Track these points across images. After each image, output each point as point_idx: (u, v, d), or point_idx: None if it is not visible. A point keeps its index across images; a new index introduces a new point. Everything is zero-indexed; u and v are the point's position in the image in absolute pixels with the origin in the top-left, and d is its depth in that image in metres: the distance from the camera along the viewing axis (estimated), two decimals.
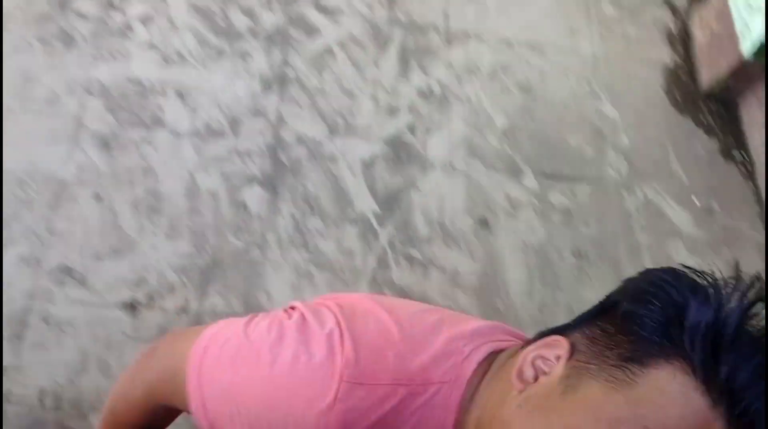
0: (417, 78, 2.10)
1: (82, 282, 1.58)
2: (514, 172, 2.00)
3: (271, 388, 0.62)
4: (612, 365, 0.55)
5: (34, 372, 1.48)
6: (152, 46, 1.90)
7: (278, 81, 1.98)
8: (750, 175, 2.13)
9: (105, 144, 1.75)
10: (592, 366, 0.55)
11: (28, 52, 1.81)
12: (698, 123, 2.20)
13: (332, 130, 1.94)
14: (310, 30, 2.09)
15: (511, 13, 2.31)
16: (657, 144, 2.11)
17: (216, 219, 1.73)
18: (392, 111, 2.02)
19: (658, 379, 0.53)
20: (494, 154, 2.02)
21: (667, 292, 0.56)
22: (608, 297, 0.62)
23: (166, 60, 1.90)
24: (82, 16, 1.89)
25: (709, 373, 0.51)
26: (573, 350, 0.58)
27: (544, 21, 2.32)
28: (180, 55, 1.91)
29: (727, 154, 2.16)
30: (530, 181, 1.99)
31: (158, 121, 1.81)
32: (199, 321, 1.61)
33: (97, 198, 1.68)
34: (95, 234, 1.64)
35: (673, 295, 0.55)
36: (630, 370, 0.53)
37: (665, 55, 2.33)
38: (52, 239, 1.61)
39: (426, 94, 2.08)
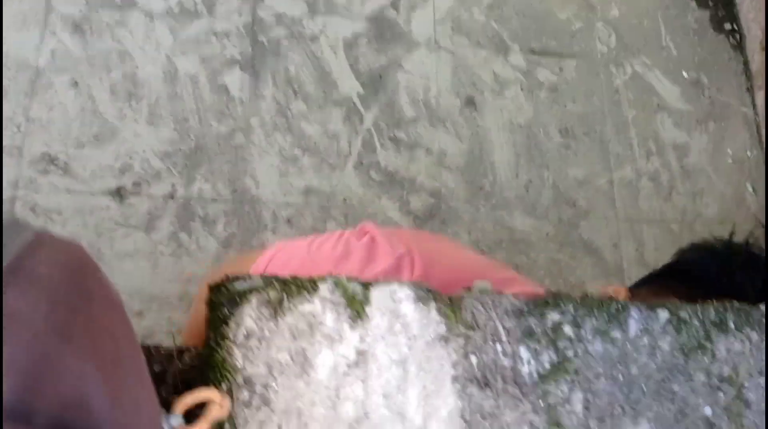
0: None
1: (66, 170, 1.56)
2: (501, 49, 1.95)
3: None
4: None
5: None
6: None
7: None
8: (739, 46, 2.09)
9: (77, 27, 1.67)
10: None
11: None
12: None
13: (312, 8, 1.86)
14: None
15: None
16: (648, 16, 2.06)
17: (198, 104, 1.69)
18: None
19: None
20: (480, 29, 1.95)
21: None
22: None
23: None
24: None
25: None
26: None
27: None
28: None
29: (717, 25, 2.11)
30: (517, 57, 1.94)
31: (131, 2, 1.72)
32: (187, 206, 1.61)
33: (74, 84, 1.63)
34: (75, 121, 1.60)
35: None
36: None
37: None
38: (31, 127, 1.57)
39: None
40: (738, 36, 2.10)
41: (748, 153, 1.91)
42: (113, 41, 1.69)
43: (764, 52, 2.00)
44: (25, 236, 0.24)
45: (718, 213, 1.83)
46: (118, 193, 1.57)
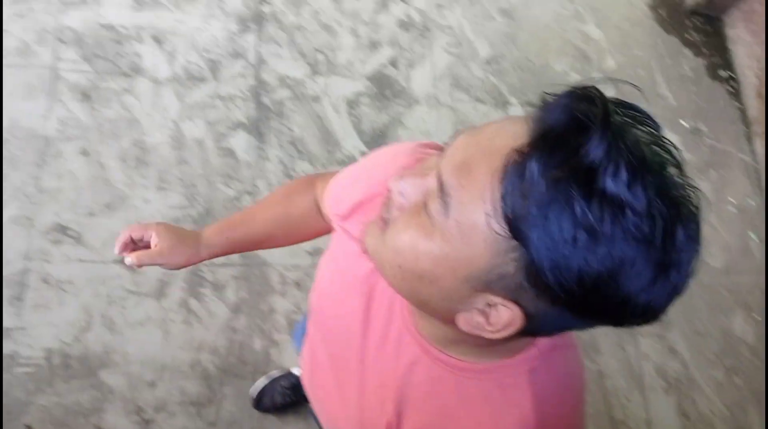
0: (396, 8, 2.02)
1: (78, 239, 1.56)
2: (500, 103, 1.96)
3: None
4: None
5: (39, 333, 1.48)
6: None
7: (255, 19, 1.89)
8: (736, 93, 2.11)
9: (85, 95, 1.68)
10: None
11: None
12: (684, 42, 2.16)
13: (314, 69, 1.88)
14: None
15: None
16: (643, 65, 2.08)
17: (205, 168, 1.70)
18: (373, 45, 1.95)
19: None
20: (479, 84, 1.97)
21: None
22: None
23: (139, 3, 1.80)
24: None
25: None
26: None
27: None
28: None
29: (713, 73, 2.13)
30: (516, 110, 1.95)
31: (137, 69, 1.74)
32: (196, 272, 1.61)
33: (84, 152, 1.63)
34: (86, 190, 1.61)
35: None
36: None
37: None
38: (42, 197, 1.58)
39: (407, 25, 2.00)
40: (734, 83, 2.12)
41: (750, 201, 1.91)
42: (121, 108, 1.70)
43: (761, 99, 2.02)
44: None
45: (723, 263, 1.83)
46: None
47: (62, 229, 1.57)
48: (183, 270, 1.59)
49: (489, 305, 0.49)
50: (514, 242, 0.44)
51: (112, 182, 1.64)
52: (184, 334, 1.54)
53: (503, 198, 0.43)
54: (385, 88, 1.89)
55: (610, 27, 2.14)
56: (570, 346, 0.62)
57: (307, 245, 1.69)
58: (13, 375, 1.45)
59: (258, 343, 1.57)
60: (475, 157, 0.46)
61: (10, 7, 1.71)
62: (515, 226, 0.43)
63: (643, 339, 1.76)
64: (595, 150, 0.41)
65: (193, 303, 1.57)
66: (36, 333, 1.49)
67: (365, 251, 0.56)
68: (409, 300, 0.56)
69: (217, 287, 1.60)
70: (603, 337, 1.73)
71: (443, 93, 1.93)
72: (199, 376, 1.51)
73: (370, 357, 0.65)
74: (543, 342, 0.58)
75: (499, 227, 0.44)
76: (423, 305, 0.54)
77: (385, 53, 1.94)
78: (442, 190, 0.47)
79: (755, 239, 1.86)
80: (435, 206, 0.47)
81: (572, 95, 0.44)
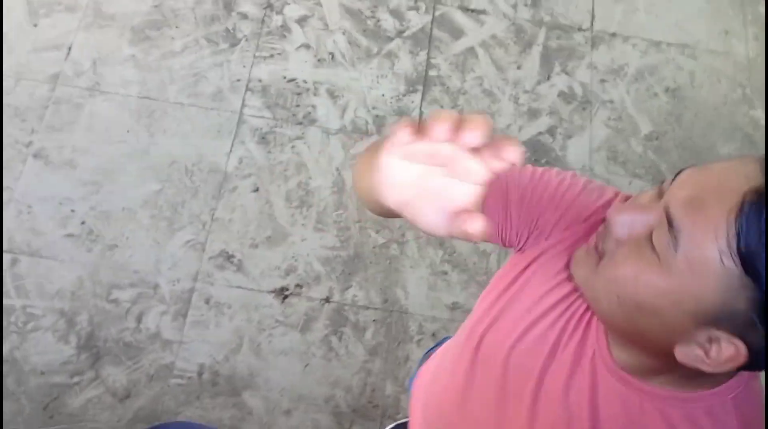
0: (559, 80, 2.04)
1: (239, 267, 1.68)
2: (658, 181, 1.90)
3: None
4: None
5: (195, 348, 1.60)
6: (307, 46, 1.97)
7: (422, 82, 1.99)
8: None
9: (263, 139, 1.84)
10: None
11: (196, 51, 1.93)
12: None
13: None
14: (454, 31, 2.08)
15: (661, 12, 2.19)
16: None
17: (360, 215, 1.78)
18: (533, 113, 1.98)
19: None
20: (638, 160, 1.93)
21: None
22: None
23: (320, 60, 1.96)
24: (245, 17, 1.99)
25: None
26: None
27: (696, 22, 2.18)
28: (332, 56, 1.97)
29: None
30: None
31: (311, 119, 1.88)
32: (340, 311, 1.67)
33: (255, 189, 1.77)
34: (253, 223, 1.74)
35: None
36: None
37: None
38: (215, 226, 1.72)
39: (568, 96, 2.02)
40: None
41: None
42: (293, 153, 1.83)
43: None
44: None
45: None
46: (282, 293, 1.67)
47: (227, 257, 1.70)
48: (328, 307, 1.66)
49: (711, 340, 0.50)
50: (747, 279, 0.45)
51: (276, 218, 1.76)
52: (323, 369, 1.60)
53: (738, 236, 0.46)
54: (540, 155, 1.91)
55: None
56: (758, 375, 0.62)
57: (447, 299, 1.71)
58: (168, 385, 1.57)
59: (389, 388, 1.59)
60: (708, 195, 0.48)
61: (212, 57, 1.92)
62: (750, 264, 0.45)
63: None
64: None
65: (334, 340, 1.63)
66: (193, 348, 1.60)
67: (570, 279, 0.60)
68: (621, 329, 0.58)
69: (358, 328, 1.65)
70: None
71: (599, 165, 1.91)
72: (331, 411, 1.55)
73: (550, 392, 0.65)
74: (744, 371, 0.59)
75: (733, 264, 0.46)
76: (638, 335, 0.55)
77: (544, 122, 1.96)
78: (671, 225, 0.49)
79: None
80: (662, 241, 0.50)
81: None
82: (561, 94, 2.01)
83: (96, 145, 1.77)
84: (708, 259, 0.47)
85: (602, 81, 2.04)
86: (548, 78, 2.04)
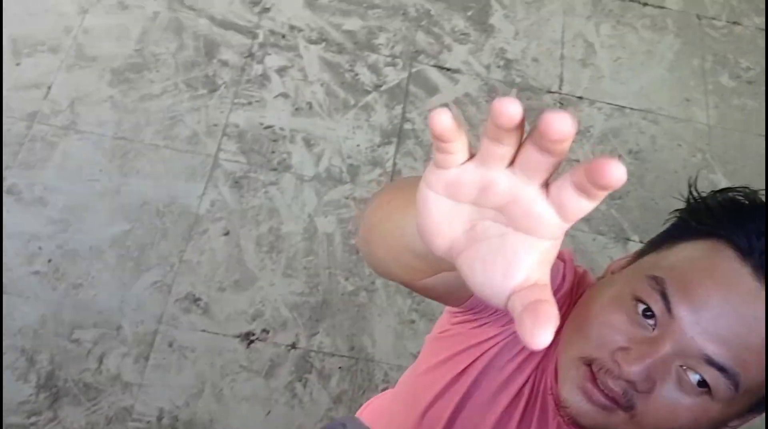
0: None
1: (205, 311, 1.66)
2: (621, 239, 1.94)
3: None
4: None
5: (155, 392, 1.55)
6: (285, 95, 2.00)
7: (396, 134, 2.02)
8: None
9: (236, 183, 1.84)
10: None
11: (175, 95, 1.94)
12: None
13: None
14: (429, 87, 2.13)
15: (626, 79, 2.27)
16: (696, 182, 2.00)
17: (330, 261, 1.78)
18: None
19: (693, 243, 0.62)
20: (601, 218, 1.97)
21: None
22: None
23: (297, 109, 1.98)
24: (225, 64, 2.02)
25: (739, 240, 0.59)
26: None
27: (659, 89, 2.26)
28: (309, 105, 2.00)
29: None
30: (637, 247, 1.92)
31: (286, 166, 1.89)
32: (306, 358, 1.64)
33: (226, 233, 1.77)
34: (221, 266, 1.72)
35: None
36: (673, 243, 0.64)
37: None
38: (182, 268, 1.70)
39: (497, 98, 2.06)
40: None
41: None
42: (265, 198, 1.83)
43: None
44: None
45: None
46: (247, 338, 1.64)
47: (194, 299, 1.67)
48: (294, 354, 1.64)
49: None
50: None
51: (245, 262, 1.74)
52: (285, 416, 1.56)
53: None
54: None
55: (740, 179, 2.10)
56: None
57: (413, 348, 1.70)
58: (126, 428, 1.52)
59: None
60: (741, 334, 0.56)
61: (190, 102, 1.94)
62: None
63: None
64: None
65: (299, 387, 1.60)
66: (153, 392, 1.56)
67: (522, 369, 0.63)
68: None
69: (323, 376, 1.63)
70: None
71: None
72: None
73: None
74: None
75: None
76: None
77: None
78: (723, 371, 0.56)
79: None
80: (718, 386, 0.56)
81: None
82: None
83: (67, 184, 1.75)
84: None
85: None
86: None
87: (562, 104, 2.16)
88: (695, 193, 0.68)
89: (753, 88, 2.29)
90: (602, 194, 0.31)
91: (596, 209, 1.98)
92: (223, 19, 2.08)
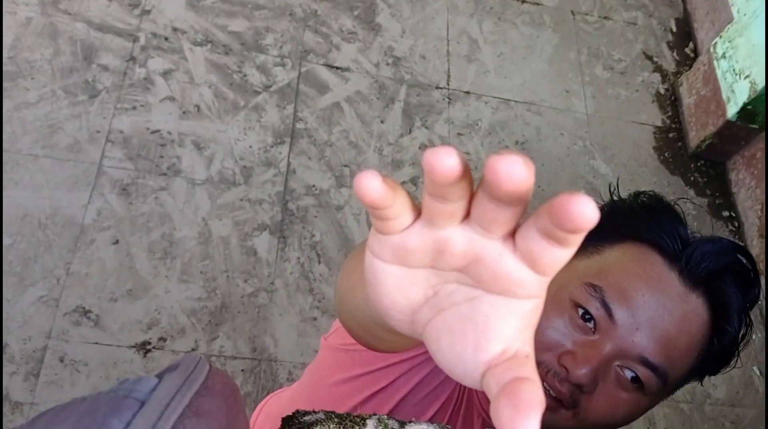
0: (420, 133, 2.17)
1: (97, 323, 1.62)
2: None
3: None
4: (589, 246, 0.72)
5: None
6: (172, 98, 1.98)
7: (289, 134, 2.05)
8: (737, 232, 2.18)
9: (124, 190, 1.80)
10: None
11: (53, 102, 1.88)
12: (688, 182, 2.27)
13: (339, 181, 2.00)
14: (320, 86, 2.17)
15: (509, 74, 2.40)
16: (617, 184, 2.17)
17: (227, 264, 1.78)
18: (396, 164, 2.09)
19: (621, 247, 0.69)
20: None
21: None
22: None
23: (185, 112, 1.97)
24: (105, 69, 1.97)
25: (666, 246, 0.67)
26: None
27: (540, 82, 2.41)
28: (198, 108, 1.99)
29: (716, 212, 2.22)
30: None
31: (175, 170, 1.87)
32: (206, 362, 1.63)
33: (115, 242, 1.73)
34: (112, 276, 1.68)
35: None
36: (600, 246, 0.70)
37: (655, 117, 2.42)
38: (70, 281, 1.65)
39: (428, 148, 2.14)
40: (736, 223, 2.20)
41: (753, 336, 1.93)
42: (156, 204, 1.81)
43: (762, 239, 2.09)
44: (206, 367, 0.37)
45: (726, 394, 1.82)
46: (143, 347, 1.61)
47: (84, 312, 1.63)
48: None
49: None
50: None
51: (137, 271, 1.71)
52: None
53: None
54: None
55: (618, 164, 2.27)
56: None
57: (317, 345, 1.73)
58: None
59: None
60: (672, 335, 0.63)
61: (69, 109, 1.88)
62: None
63: None
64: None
65: None
66: (45, 410, 1.50)
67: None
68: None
69: None
70: None
71: None
72: None
73: None
74: None
75: None
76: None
77: (407, 172, 2.07)
78: (655, 370, 0.63)
79: (758, 373, 1.85)
80: (650, 382, 0.64)
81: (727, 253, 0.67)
82: (422, 146, 2.14)
83: None
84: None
85: (459, 134, 2.19)
86: (410, 131, 2.16)
87: (451, 100, 2.26)
88: (617, 198, 0.75)
89: (625, 79, 2.48)
90: (577, 238, 0.26)
91: None
92: (101, 22, 2.04)
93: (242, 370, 1.65)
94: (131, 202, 1.80)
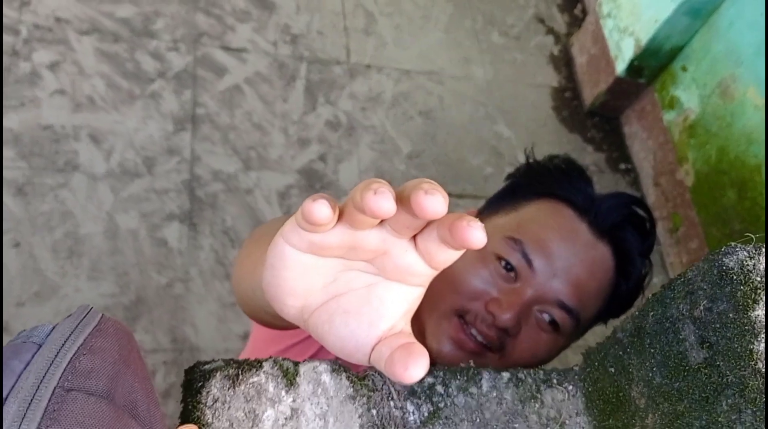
0: (324, 110, 2.25)
1: (5, 329, 1.62)
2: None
3: None
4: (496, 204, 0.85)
5: None
6: (62, 91, 1.97)
7: (190, 120, 2.08)
8: (635, 183, 2.39)
9: (20, 190, 1.80)
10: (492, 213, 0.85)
11: None
12: (586, 139, 2.46)
13: (246, 164, 2.06)
14: (218, 69, 2.20)
15: (408, 44, 2.50)
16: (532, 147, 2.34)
17: (138, 257, 1.81)
18: (303, 142, 2.16)
19: (537, 203, 0.80)
20: (401, 177, 2.18)
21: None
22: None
23: (77, 105, 1.97)
24: None
25: (577, 201, 0.80)
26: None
27: (439, 51, 2.53)
28: (91, 100, 1.99)
29: (613, 166, 2.42)
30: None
31: (73, 166, 1.87)
32: None
33: (16, 244, 1.73)
34: (16, 280, 1.68)
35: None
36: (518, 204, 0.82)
37: (551, 78, 2.59)
38: None
39: (334, 125, 2.23)
40: (632, 174, 2.40)
41: (654, 279, 2.13)
42: (56, 202, 1.81)
43: (658, 187, 2.30)
44: (98, 314, 0.41)
45: None
46: None
47: None
48: None
49: None
50: None
51: (43, 272, 1.72)
52: None
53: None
54: (314, 181, 2.08)
55: (519, 127, 2.42)
56: None
57: (238, 329, 1.79)
58: None
59: None
60: (584, 279, 0.75)
61: None
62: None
63: None
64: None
65: None
66: None
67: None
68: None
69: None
70: None
71: None
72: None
73: None
74: None
75: None
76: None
77: (314, 149, 2.14)
78: (570, 312, 0.74)
79: None
80: (565, 323, 0.74)
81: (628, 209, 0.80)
82: (327, 123, 2.22)
83: None
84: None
85: (363, 109, 2.29)
86: (314, 109, 2.23)
87: (352, 74, 2.34)
88: (533, 161, 0.88)
89: (520, 43, 2.64)
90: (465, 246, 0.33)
91: (396, 170, 2.20)
92: None
93: (164, 362, 1.69)
94: (29, 202, 1.79)
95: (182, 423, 0.42)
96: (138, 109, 2.03)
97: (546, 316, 0.74)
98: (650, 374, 0.39)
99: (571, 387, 0.42)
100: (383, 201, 0.31)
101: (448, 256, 0.35)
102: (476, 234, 0.33)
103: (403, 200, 0.33)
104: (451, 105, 2.40)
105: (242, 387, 0.41)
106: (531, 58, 2.61)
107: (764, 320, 0.36)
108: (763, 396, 0.34)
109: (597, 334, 0.71)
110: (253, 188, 2.01)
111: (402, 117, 2.31)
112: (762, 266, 0.37)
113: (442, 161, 2.25)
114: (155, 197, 1.91)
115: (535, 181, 0.84)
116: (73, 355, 0.38)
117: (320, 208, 0.32)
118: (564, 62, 2.64)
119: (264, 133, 2.13)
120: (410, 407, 0.38)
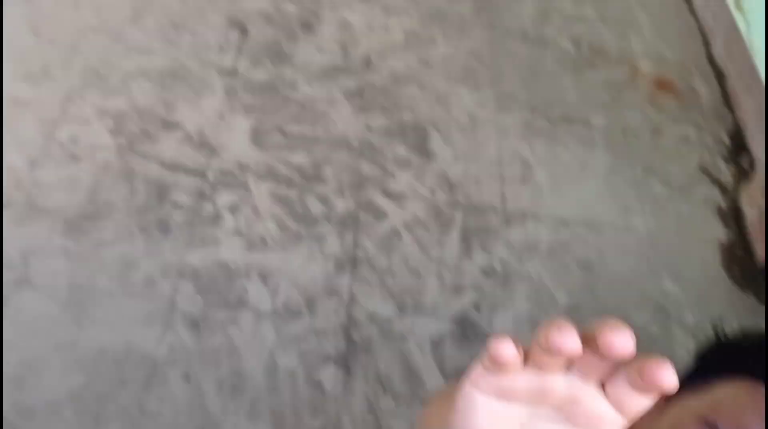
0: (479, 257, 2.28)
1: None
2: None
3: None
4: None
5: None
6: (239, 232, 2.15)
7: (350, 262, 2.18)
8: None
9: (195, 324, 1.94)
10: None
11: (128, 240, 2.06)
12: (761, 299, 2.30)
13: (401, 309, 2.10)
14: (378, 214, 2.32)
15: (565, 193, 2.52)
16: (722, 322, 2.21)
17: (293, 399, 1.86)
18: (457, 289, 2.18)
19: (732, 383, 0.72)
20: None
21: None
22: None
23: (251, 245, 2.13)
24: (177, 206, 2.16)
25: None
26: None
27: (597, 200, 2.52)
28: (263, 240, 2.15)
29: None
30: None
31: (243, 303, 2.00)
32: None
33: (186, 378, 1.84)
34: (183, 414, 1.78)
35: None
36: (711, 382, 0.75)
37: (719, 232, 2.48)
38: (143, 420, 1.75)
39: (488, 273, 2.24)
40: None
41: None
42: (224, 337, 1.93)
43: None
44: None
45: None
46: None
47: None
48: None
49: None
50: None
51: (207, 408, 1.81)
52: None
53: None
54: (468, 330, 2.08)
55: (687, 283, 2.32)
56: None
57: None
58: None
59: None
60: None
61: (144, 246, 2.06)
62: None
63: None
64: None
65: None
66: None
67: None
68: None
69: None
70: None
71: (524, 337, 2.08)
72: None
73: None
74: None
75: None
76: None
77: (468, 297, 2.16)
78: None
79: None
80: None
81: None
82: (482, 270, 2.24)
83: (21, 339, 1.82)
84: None
85: (519, 258, 2.30)
86: (469, 255, 2.27)
87: (508, 222, 2.38)
88: (724, 337, 0.82)
89: (684, 194, 2.58)
90: (659, 393, 0.33)
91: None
92: (172, 162, 2.25)
93: None
94: (201, 335, 1.92)
95: None
96: (303, 250, 2.16)
97: None
98: None
99: None
100: (568, 338, 0.32)
101: (640, 403, 0.34)
102: (668, 375, 0.32)
103: (588, 340, 0.34)
104: (611, 257, 2.36)
105: None
106: (696, 210, 2.53)
107: None
108: None
109: None
110: (407, 335, 2.04)
111: (559, 267, 2.29)
112: None
113: (602, 316, 2.18)
114: (313, 338, 1.98)
115: (729, 360, 0.80)
116: None
117: (506, 347, 0.34)
118: (732, 216, 2.54)
119: (419, 277, 2.19)
120: None
